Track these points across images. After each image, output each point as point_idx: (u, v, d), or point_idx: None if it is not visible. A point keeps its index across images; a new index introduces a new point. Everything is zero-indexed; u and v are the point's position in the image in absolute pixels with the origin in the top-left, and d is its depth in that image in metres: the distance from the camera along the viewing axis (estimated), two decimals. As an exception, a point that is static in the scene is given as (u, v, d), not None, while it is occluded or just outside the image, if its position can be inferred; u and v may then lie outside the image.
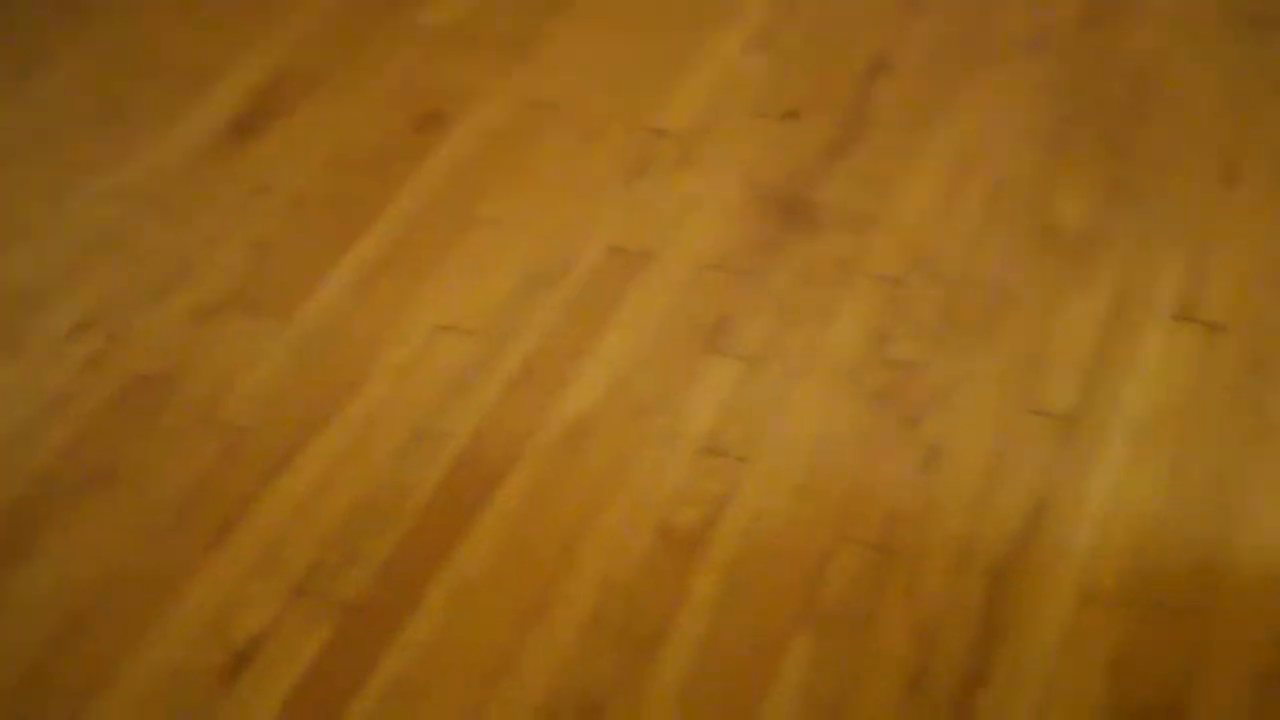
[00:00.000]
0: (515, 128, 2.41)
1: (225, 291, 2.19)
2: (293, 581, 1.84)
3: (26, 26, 2.66)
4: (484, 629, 1.79)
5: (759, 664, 1.73)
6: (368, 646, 1.78)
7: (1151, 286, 2.08)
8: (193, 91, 2.52)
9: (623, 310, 2.11)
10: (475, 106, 2.46)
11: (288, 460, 1.97)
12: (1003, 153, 2.29)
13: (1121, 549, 1.81)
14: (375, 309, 2.16)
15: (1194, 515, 1.83)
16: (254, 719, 1.70)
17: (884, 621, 1.76)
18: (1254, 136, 2.28)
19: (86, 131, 2.44)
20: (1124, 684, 1.69)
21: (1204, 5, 2.50)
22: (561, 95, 2.45)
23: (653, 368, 2.03)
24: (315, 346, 2.11)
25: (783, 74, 2.44)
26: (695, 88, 2.44)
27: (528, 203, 2.28)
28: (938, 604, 1.77)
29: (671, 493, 1.89)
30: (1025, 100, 2.36)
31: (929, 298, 2.09)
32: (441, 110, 2.46)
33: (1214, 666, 1.70)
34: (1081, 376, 1.98)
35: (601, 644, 1.76)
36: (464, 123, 2.43)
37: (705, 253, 2.18)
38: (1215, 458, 1.88)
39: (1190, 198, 2.20)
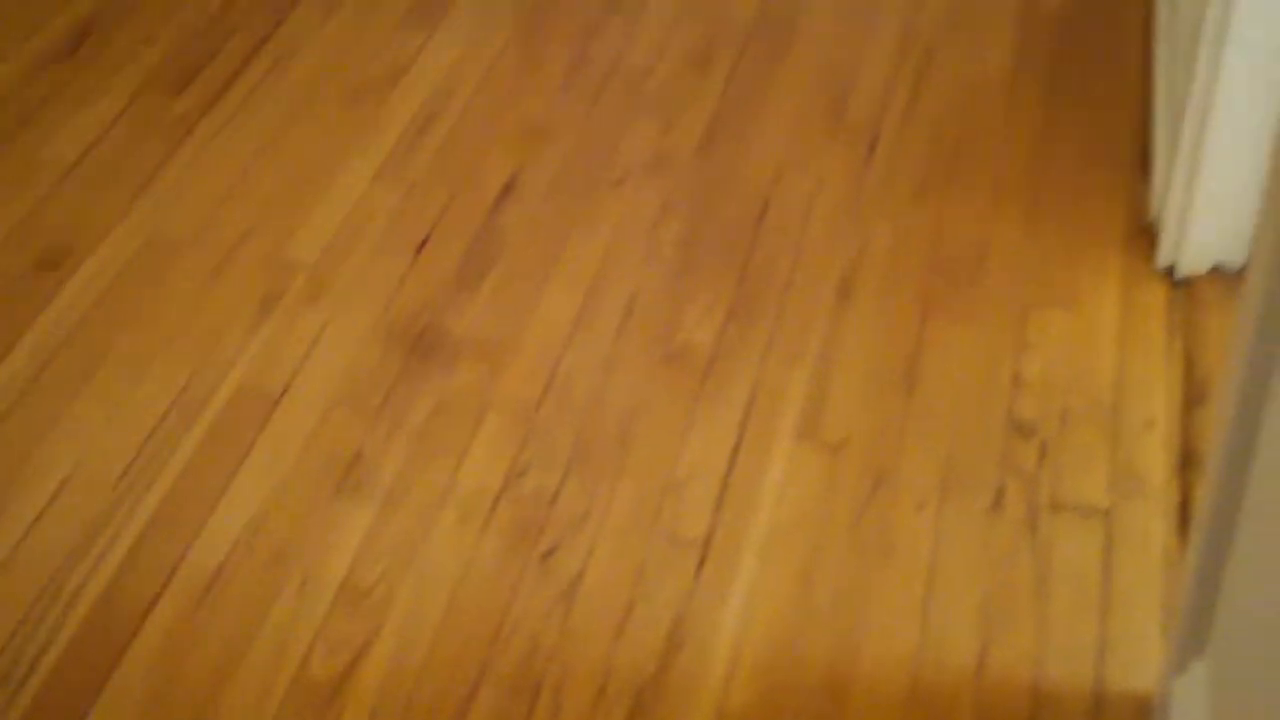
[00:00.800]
0: (143, 263, 2.37)
1: None
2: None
3: None
4: (122, 790, 1.75)
5: (403, 812, 1.72)
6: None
7: (775, 406, 2.15)
8: None
9: (256, 452, 2.09)
10: (102, 242, 2.41)
11: (-94, 629, 1.90)
12: (631, 275, 2.34)
13: (756, 667, 1.86)
14: None
15: (823, 632, 1.89)
16: None
17: (527, 758, 1.77)
18: (867, 250, 2.38)
19: None
20: (763, 803, 1.73)
21: (813, 126, 2.60)
22: (190, 229, 2.42)
23: (287, 510, 2.02)
24: (-64, 502, 2.05)
25: (414, 203, 2.46)
26: (326, 219, 2.43)
27: (157, 342, 2.24)
28: (579, 737, 1.79)
29: (310, 640, 1.88)
30: (650, 223, 2.42)
31: (562, 425, 2.12)
32: (68, 247, 2.40)
33: (848, 778, 1.76)
34: (712, 500, 2.03)
35: (243, 802, 1.74)
36: (91, 260, 2.38)
37: (338, 389, 2.17)
38: (841, 575, 1.94)
39: (810, 314, 2.28)
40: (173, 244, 2.40)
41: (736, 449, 2.09)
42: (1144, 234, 2.40)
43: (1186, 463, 2.07)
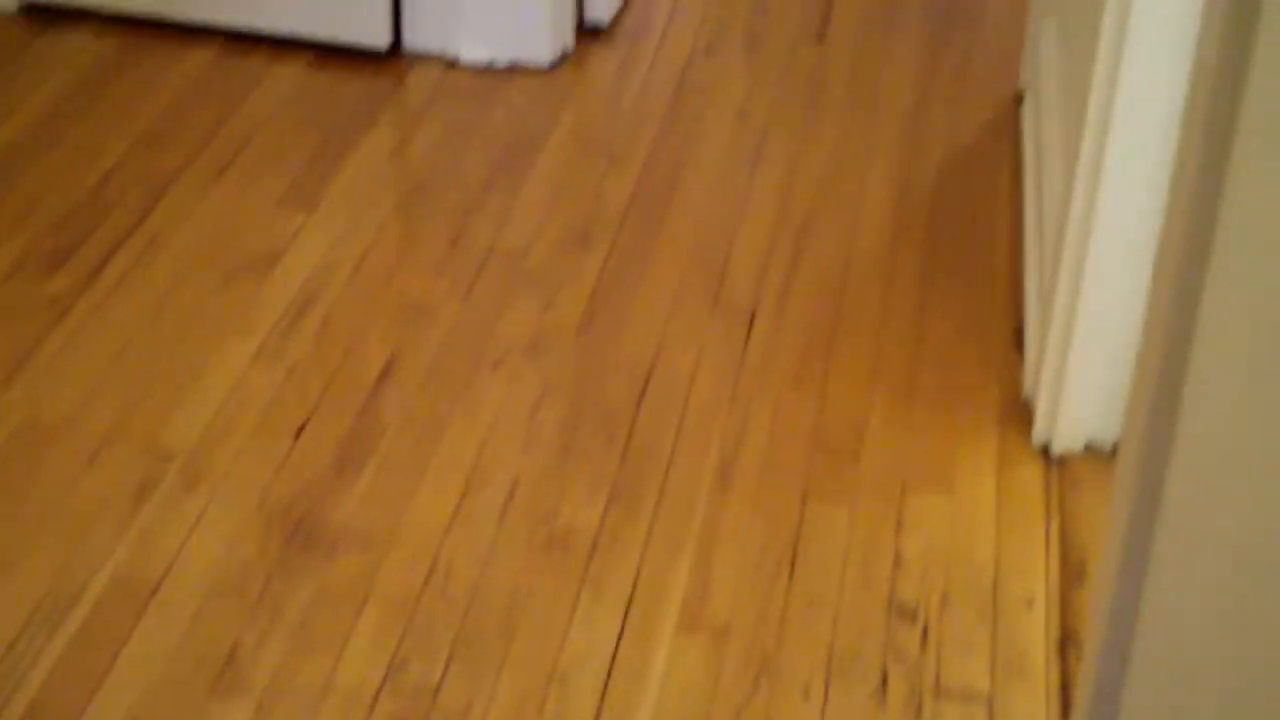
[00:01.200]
0: (15, 450, 2.33)
1: None
2: None
3: None
4: None
5: None
6: None
7: (658, 592, 2.14)
8: None
9: (130, 647, 2.04)
10: (-29, 427, 2.38)
11: None
12: (511, 458, 2.33)
13: None
14: None
15: (708, 825, 1.87)
16: None
17: None
18: (746, 431, 2.39)
19: None
20: None
21: (692, 304, 2.62)
22: (63, 414, 2.39)
23: (162, 709, 1.97)
24: None
25: (292, 386, 2.44)
26: (202, 404, 2.40)
27: (29, 532, 2.20)
28: None
29: (185, 846, 1.83)
30: (530, 404, 2.42)
31: (444, 615, 2.10)
32: (-65, 433, 2.36)
33: None
34: (597, 690, 2.01)
35: None
36: (-41, 445, 2.35)
37: (214, 581, 2.13)
38: (725, 765, 1.93)
39: (691, 497, 2.28)
40: (45, 430, 2.36)
41: (620, 637, 2.08)
42: (1020, 411, 2.43)
43: (1066, 643, 2.08)
